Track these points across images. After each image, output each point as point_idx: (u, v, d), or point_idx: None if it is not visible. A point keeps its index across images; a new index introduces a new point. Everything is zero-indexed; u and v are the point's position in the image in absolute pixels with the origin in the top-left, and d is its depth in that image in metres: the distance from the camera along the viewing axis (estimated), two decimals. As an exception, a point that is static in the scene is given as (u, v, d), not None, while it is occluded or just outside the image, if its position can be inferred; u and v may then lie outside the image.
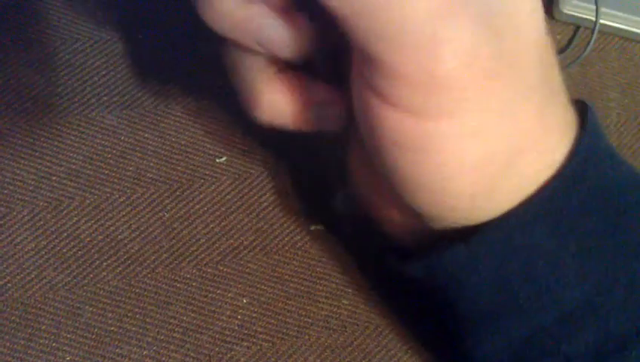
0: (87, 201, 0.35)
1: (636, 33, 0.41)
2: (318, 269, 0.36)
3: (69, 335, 0.33)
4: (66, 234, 0.35)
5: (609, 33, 0.42)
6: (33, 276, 0.34)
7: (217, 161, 0.37)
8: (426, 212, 0.27)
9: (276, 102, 0.28)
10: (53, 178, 0.35)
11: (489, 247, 0.26)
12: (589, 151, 0.26)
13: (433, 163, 0.25)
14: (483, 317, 0.28)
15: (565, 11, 0.41)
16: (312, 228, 0.36)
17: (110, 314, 0.34)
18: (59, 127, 0.36)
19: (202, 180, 0.36)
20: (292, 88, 0.28)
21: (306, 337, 0.34)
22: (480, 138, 0.24)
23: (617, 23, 0.41)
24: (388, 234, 0.31)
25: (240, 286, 0.35)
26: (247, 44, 0.27)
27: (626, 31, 0.41)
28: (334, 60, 0.28)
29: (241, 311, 0.35)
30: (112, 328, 0.34)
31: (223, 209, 0.36)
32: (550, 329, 0.27)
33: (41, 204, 0.35)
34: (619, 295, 0.27)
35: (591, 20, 0.41)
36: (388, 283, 0.35)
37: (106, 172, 0.36)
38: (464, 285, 0.28)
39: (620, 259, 0.27)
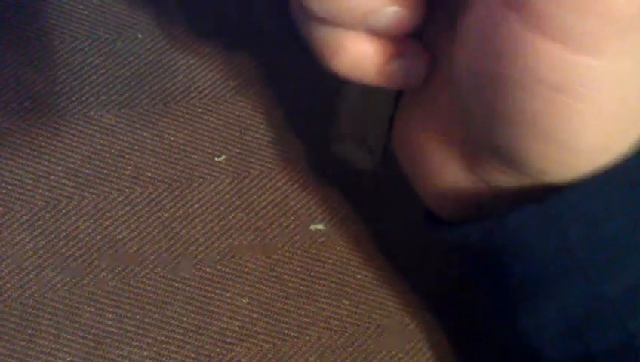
0: (86, 201, 0.35)
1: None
2: (317, 269, 0.35)
3: (68, 336, 0.33)
4: (64, 234, 0.35)
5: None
6: (32, 276, 0.34)
7: (216, 159, 0.37)
8: (532, 166, 0.25)
9: (361, 52, 0.27)
10: (52, 177, 0.35)
11: (563, 210, 0.25)
12: None
13: (578, 107, 0.22)
14: (542, 282, 0.27)
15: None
16: (312, 227, 0.36)
17: (109, 315, 0.34)
18: (57, 126, 0.36)
19: (201, 179, 0.36)
20: (378, 38, 0.27)
21: (307, 338, 0.34)
22: (631, 84, 0.22)
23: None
24: (426, 200, 0.30)
25: (239, 286, 0.35)
26: (350, 25, 0.26)
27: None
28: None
29: (241, 311, 0.34)
30: (112, 329, 0.33)
31: (222, 208, 0.36)
32: (614, 302, 0.26)
33: (40, 203, 0.35)
34: None
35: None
36: (389, 282, 0.35)
37: (105, 171, 0.36)
38: (528, 247, 0.26)
39: None
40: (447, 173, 0.28)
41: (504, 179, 0.27)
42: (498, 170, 0.26)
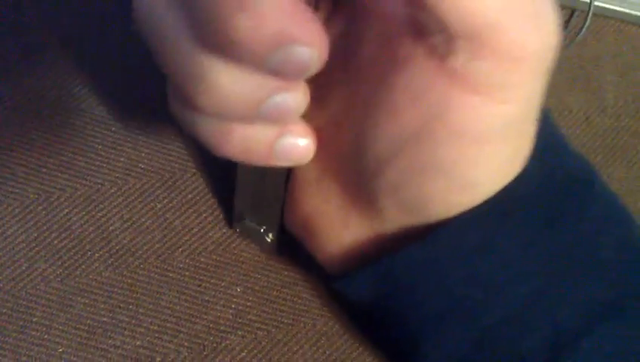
0: (79, 193, 0.35)
1: (631, 15, 0.41)
2: (312, 257, 0.35)
3: (61, 327, 0.33)
4: (57, 226, 0.34)
5: (605, 16, 0.41)
6: (24, 268, 0.34)
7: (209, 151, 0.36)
8: (433, 208, 0.26)
9: (248, 138, 0.26)
10: (44, 169, 0.35)
11: (436, 249, 0.26)
12: (544, 147, 0.26)
13: (488, 151, 0.24)
14: (429, 325, 0.27)
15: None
16: (307, 215, 0.36)
17: (102, 306, 0.33)
18: (49, 119, 0.36)
19: (194, 170, 0.36)
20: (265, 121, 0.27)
21: (301, 325, 0.34)
22: (527, 126, 0.25)
23: (612, 4, 0.41)
24: (325, 263, 0.31)
25: (234, 274, 0.34)
26: (238, 116, 0.25)
27: (621, 12, 0.41)
28: None
29: (235, 299, 0.34)
30: (105, 319, 0.33)
31: (216, 198, 0.36)
32: (500, 329, 0.26)
33: (32, 195, 0.35)
34: (567, 286, 0.26)
35: (586, 3, 0.40)
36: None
37: (97, 163, 0.36)
38: (411, 292, 0.27)
39: (571, 249, 0.26)
40: (344, 233, 0.29)
41: (397, 224, 0.27)
42: (395, 217, 0.27)
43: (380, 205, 0.27)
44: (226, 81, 0.22)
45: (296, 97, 0.24)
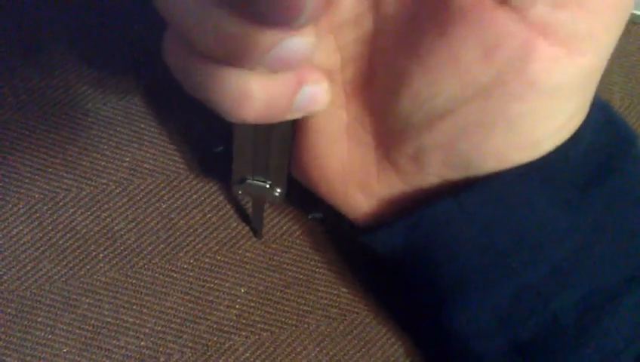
0: (84, 193, 0.35)
1: (637, 15, 0.41)
2: (316, 257, 0.35)
3: (65, 327, 0.33)
4: (62, 226, 0.34)
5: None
6: (29, 268, 0.34)
7: (214, 150, 0.36)
8: (486, 163, 0.25)
9: (269, 94, 0.24)
10: (49, 170, 0.35)
11: (479, 202, 0.26)
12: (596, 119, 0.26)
13: (555, 105, 0.23)
14: (467, 279, 0.27)
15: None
16: (311, 216, 0.36)
17: (107, 306, 0.33)
18: (54, 119, 0.36)
19: (199, 170, 0.36)
20: (283, 74, 0.25)
21: (305, 326, 0.34)
22: (593, 81, 0.24)
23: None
24: (347, 213, 0.30)
25: (238, 275, 0.34)
26: (251, 61, 0.23)
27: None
28: None
29: (239, 300, 0.34)
30: (109, 319, 0.33)
31: (220, 198, 0.36)
32: (537, 286, 0.26)
33: (37, 196, 0.35)
34: (607, 245, 0.26)
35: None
36: (387, 269, 0.34)
37: (103, 163, 0.36)
38: (450, 244, 0.27)
39: (610, 208, 0.26)
40: (377, 187, 0.28)
41: (437, 179, 0.27)
42: (437, 172, 0.26)
43: (424, 159, 0.26)
44: (238, 30, 0.21)
45: (307, 41, 0.22)
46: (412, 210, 0.27)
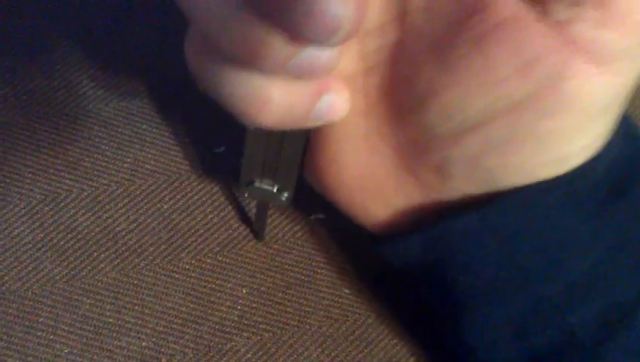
0: (85, 193, 0.35)
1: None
2: (318, 258, 0.35)
3: (66, 328, 0.33)
4: (63, 227, 0.34)
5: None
6: (30, 269, 0.34)
7: (215, 151, 0.36)
8: (513, 178, 0.25)
9: (290, 100, 0.24)
10: (51, 170, 0.35)
11: (503, 216, 0.25)
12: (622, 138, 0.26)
13: (587, 124, 0.24)
14: (486, 291, 0.27)
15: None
16: (313, 216, 0.36)
17: (108, 306, 0.33)
18: (56, 120, 0.36)
19: (200, 171, 0.36)
20: (304, 81, 0.24)
21: (307, 327, 0.34)
22: (622, 100, 0.24)
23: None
24: (363, 221, 0.30)
25: (239, 276, 0.34)
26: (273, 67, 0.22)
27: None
28: None
29: (240, 301, 0.34)
30: (110, 320, 0.33)
31: (222, 199, 0.36)
32: (555, 300, 0.26)
33: (39, 196, 0.35)
34: (626, 259, 0.26)
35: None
36: (389, 271, 0.34)
37: (104, 164, 0.36)
38: (470, 257, 0.27)
39: (630, 221, 0.26)
40: (394, 198, 0.28)
41: (459, 192, 0.26)
42: (460, 186, 0.26)
43: (447, 172, 0.26)
44: (264, 35, 0.21)
45: (332, 52, 0.22)
46: (430, 221, 0.27)
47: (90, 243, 0.34)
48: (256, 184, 0.32)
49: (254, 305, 0.34)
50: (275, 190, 0.32)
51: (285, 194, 0.32)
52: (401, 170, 0.27)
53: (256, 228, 0.35)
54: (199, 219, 0.35)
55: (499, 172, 0.25)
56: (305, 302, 0.34)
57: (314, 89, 0.24)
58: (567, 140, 0.24)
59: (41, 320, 0.33)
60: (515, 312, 0.27)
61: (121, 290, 0.34)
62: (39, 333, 0.33)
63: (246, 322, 0.34)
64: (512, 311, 0.27)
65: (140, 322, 0.33)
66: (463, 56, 0.23)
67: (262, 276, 0.34)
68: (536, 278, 0.26)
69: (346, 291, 0.35)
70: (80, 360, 0.32)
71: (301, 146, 0.29)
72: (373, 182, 0.28)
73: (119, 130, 0.36)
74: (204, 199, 0.36)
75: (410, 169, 0.27)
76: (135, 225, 0.35)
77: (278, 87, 0.23)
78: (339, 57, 0.22)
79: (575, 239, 0.26)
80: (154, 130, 0.36)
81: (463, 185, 0.26)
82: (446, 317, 0.29)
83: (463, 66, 0.23)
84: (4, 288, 0.33)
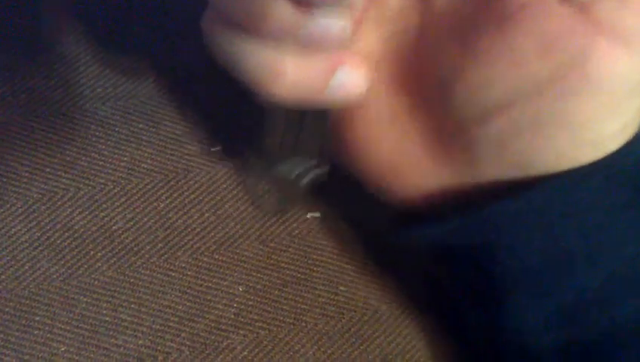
0: (82, 192, 0.35)
1: None
2: (314, 256, 0.35)
3: (63, 326, 0.33)
4: (60, 226, 0.34)
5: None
6: (27, 267, 0.34)
7: (212, 150, 0.36)
8: (546, 163, 0.25)
9: (303, 73, 0.24)
10: (47, 169, 0.35)
11: (548, 199, 0.25)
12: None
13: (619, 105, 0.23)
14: (528, 277, 0.27)
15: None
16: (309, 215, 0.36)
17: (105, 305, 0.33)
18: (53, 119, 0.36)
19: (197, 169, 0.36)
20: (318, 53, 0.25)
21: (303, 324, 0.34)
22: None
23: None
24: (393, 202, 0.30)
25: (236, 274, 0.35)
26: (284, 36, 0.23)
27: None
28: None
29: (237, 299, 0.34)
30: (107, 318, 0.33)
31: (219, 198, 0.36)
32: (599, 290, 0.26)
33: (35, 195, 0.35)
34: None
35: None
36: (386, 268, 0.35)
37: (100, 163, 0.36)
38: (514, 242, 0.26)
39: None
40: (422, 181, 0.28)
41: (490, 176, 0.26)
42: (491, 169, 0.26)
43: (477, 155, 0.26)
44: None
45: (341, 22, 0.22)
46: (462, 204, 0.27)
47: (86, 241, 0.34)
48: (276, 169, 0.32)
49: (251, 303, 0.34)
50: (293, 176, 0.31)
51: (304, 181, 0.31)
52: (430, 152, 0.27)
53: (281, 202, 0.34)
54: (196, 217, 0.35)
55: (529, 155, 0.25)
56: (301, 300, 0.34)
57: (328, 63, 0.24)
58: (598, 123, 0.24)
59: (37, 318, 0.33)
60: (559, 300, 0.26)
61: (118, 289, 0.34)
62: (36, 332, 0.33)
63: (242, 320, 0.34)
64: (556, 298, 0.26)
65: (136, 320, 0.33)
66: (486, 37, 0.23)
67: (258, 274, 0.35)
68: (580, 266, 0.26)
69: (342, 289, 0.35)
70: (77, 358, 0.32)
71: (323, 128, 0.29)
72: (403, 165, 0.28)
73: (116, 129, 0.36)
74: (201, 198, 0.36)
75: (440, 151, 0.27)
76: (132, 223, 0.35)
77: (291, 60, 0.23)
78: (350, 30, 0.23)
79: (616, 227, 0.25)
80: (151, 129, 0.36)
81: (494, 168, 0.26)
82: (485, 302, 0.28)
83: (486, 48, 0.24)
84: (0, 287, 0.33)
